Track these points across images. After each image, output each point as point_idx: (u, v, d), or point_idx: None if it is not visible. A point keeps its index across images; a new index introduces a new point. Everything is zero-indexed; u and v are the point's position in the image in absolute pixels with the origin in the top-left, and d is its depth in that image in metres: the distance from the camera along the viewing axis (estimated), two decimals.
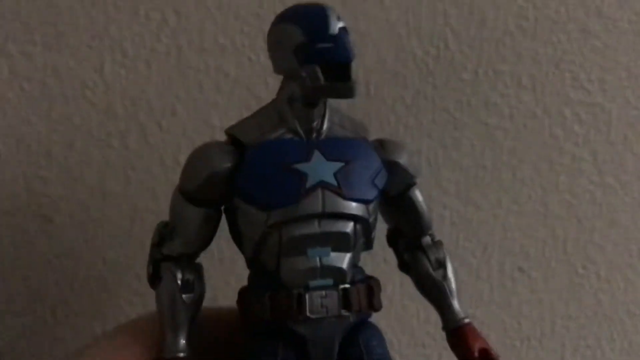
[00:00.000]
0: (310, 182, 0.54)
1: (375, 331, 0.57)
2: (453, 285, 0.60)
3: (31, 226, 0.76)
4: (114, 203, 0.77)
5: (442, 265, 0.61)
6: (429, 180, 0.81)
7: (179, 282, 0.56)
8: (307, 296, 0.53)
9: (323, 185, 0.54)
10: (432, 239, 0.61)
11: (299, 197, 0.53)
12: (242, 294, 0.57)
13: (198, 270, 0.58)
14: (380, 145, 0.59)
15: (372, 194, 0.55)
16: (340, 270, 0.54)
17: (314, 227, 0.54)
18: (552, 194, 0.85)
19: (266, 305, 0.54)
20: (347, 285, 0.54)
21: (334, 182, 0.54)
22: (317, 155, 0.55)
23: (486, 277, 0.85)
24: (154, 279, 0.57)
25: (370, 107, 0.79)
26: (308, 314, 0.53)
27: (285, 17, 0.55)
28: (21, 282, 0.76)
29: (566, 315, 0.87)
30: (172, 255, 0.57)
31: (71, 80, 0.74)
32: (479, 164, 0.82)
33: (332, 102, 0.56)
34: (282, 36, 0.54)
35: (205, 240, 0.58)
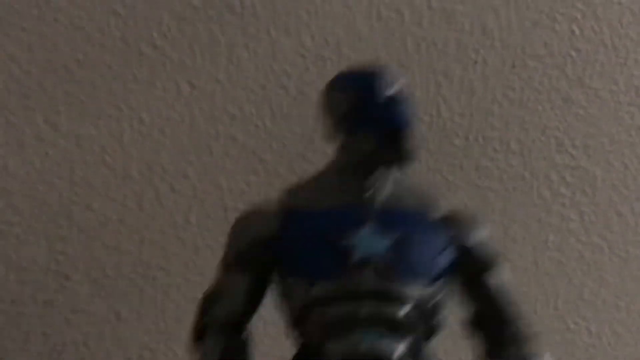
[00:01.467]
0: (358, 255, 0.49)
1: None
2: None
3: (50, 283, 0.80)
4: (128, 261, 0.81)
5: None
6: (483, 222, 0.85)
7: (226, 346, 0.53)
8: None
9: (373, 260, 0.49)
10: (521, 332, 0.54)
11: (346, 270, 0.49)
12: None
13: (244, 339, 0.54)
14: (450, 220, 0.54)
15: (431, 271, 0.50)
16: (389, 355, 0.48)
17: (362, 307, 0.49)
18: (542, 252, 0.89)
19: None
20: None
21: (386, 258, 0.49)
22: (369, 227, 0.50)
23: None
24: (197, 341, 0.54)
25: None
26: None
27: (334, 85, 0.53)
28: (41, 338, 0.80)
29: None
30: (214, 323, 0.54)
31: (92, 146, 0.79)
32: None
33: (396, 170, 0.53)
34: (330, 104, 0.52)
35: (250, 308, 0.54)
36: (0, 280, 0.79)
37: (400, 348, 0.49)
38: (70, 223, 0.80)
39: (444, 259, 0.51)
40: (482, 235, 0.53)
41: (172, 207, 0.81)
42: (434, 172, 0.85)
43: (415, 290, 0.49)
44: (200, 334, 0.54)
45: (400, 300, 0.49)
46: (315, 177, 0.54)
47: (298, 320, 0.51)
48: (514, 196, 0.87)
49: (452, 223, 0.53)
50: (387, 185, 0.52)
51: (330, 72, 0.82)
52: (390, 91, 0.51)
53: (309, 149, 0.83)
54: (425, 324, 0.50)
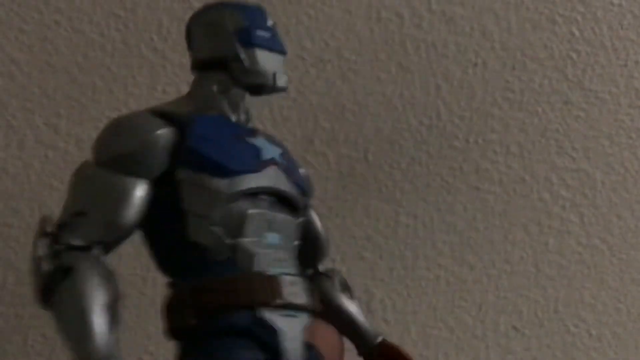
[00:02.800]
0: (264, 157, 0.52)
1: None
2: (359, 307, 0.59)
3: None
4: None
5: (347, 287, 0.60)
6: (425, 242, 0.86)
7: (101, 271, 0.46)
8: (281, 281, 0.48)
9: (275, 162, 0.52)
10: (332, 266, 0.61)
11: (259, 168, 0.51)
12: (177, 292, 0.49)
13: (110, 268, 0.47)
14: None
15: (307, 186, 0.56)
16: (292, 261, 0.52)
17: (265, 207, 0.51)
18: (542, 255, 0.89)
19: (235, 288, 0.47)
20: (298, 274, 0.51)
21: (283, 163, 0.53)
22: (261, 137, 0.53)
23: (481, 335, 0.88)
24: (53, 279, 0.45)
25: (368, 173, 0.84)
26: (285, 298, 0.48)
27: (223, 4, 0.55)
28: (40, 339, 0.80)
29: None
30: (82, 244, 0.46)
31: None
32: (472, 226, 0.87)
33: None
34: (222, 20, 0.54)
35: (129, 223, 0.48)
36: None
37: (294, 254, 0.53)
38: None
39: (305, 184, 0.56)
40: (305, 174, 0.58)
41: None
42: (433, 175, 0.85)
43: (302, 200, 0.54)
44: (57, 262, 0.45)
45: (290, 205, 0.53)
46: (180, 100, 0.55)
47: (203, 221, 0.48)
48: (514, 199, 0.88)
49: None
50: (250, 114, 0.55)
51: (331, 75, 0.83)
52: (271, 21, 0.56)
53: (309, 151, 0.83)
54: (298, 239, 0.54)
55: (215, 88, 0.54)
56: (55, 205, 0.80)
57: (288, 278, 0.49)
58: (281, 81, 0.54)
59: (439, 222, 0.86)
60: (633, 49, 0.89)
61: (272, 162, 0.52)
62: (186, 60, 0.80)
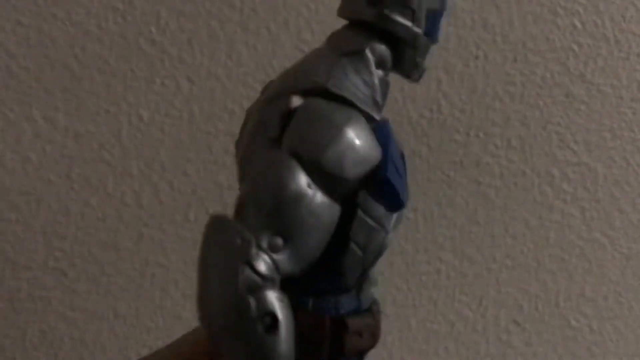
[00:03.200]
0: (403, 195, 0.46)
1: None
2: None
3: (48, 280, 0.80)
4: (126, 258, 0.81)
5: None
6: (425, 236, 0.85)
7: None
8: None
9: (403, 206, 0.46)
10: None
11: (400, 206, 0.44)
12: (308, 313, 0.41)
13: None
14: None
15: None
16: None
17: (386, 240, 0.45)
18: (543, 249, 0.89)
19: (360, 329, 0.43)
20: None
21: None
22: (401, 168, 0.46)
23: (482, 330, 0.88)
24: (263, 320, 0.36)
25: None
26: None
27: None
28: (38, 335, 0.80)
29: None
30: (274, 277, 0.37)
31: (90, 143, 0.79)
32: (473, 220, 0.86)
33: None
34: None
35: (321, 252, 0.41)
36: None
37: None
38: (68, 220, 0.80)
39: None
40: None
41: (170, 204, 0.81)
42: (434, 169, 0.85)
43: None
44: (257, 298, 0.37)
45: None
46: (349, 73, 0.45)
47: (359, 256, 0.42)
48: (514, 192, 0.87)
49: None
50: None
51: None
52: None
53: None
54: None
55: (373, 62, 0.46)
56: (52, 199, 0.79)
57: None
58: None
59: (439, 215, 0.86)
60: (635, 42, 0.88)
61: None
62: (184, 53, 0.79)
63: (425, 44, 0.48)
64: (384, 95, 0.45)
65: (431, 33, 0.48)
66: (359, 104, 0.42)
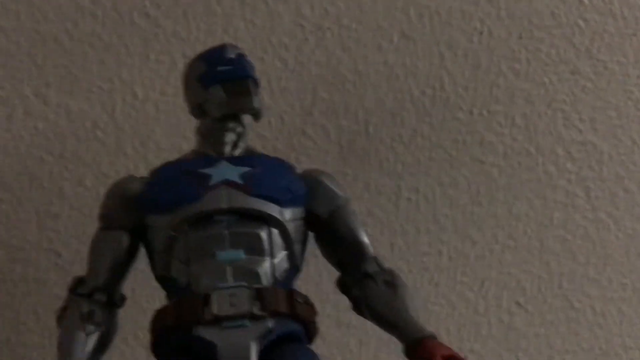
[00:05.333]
0: (213, 181, 0.54)
1: (306, 350, 0.51)
2: (407, 303, 0.55)
3: (42, 261, 0.79)
4: None
5: (390, 285, 0.56)
6: (427, 217, 0.84)
7: (82, 312, 0.54)
8: (214, 295, 0.50)
9: (227, 183, 0.54)
10: (379, 265, 0.57)
11: (201, 194, 0.53)
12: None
13: (111, 304, 0.56)
14: (302, 173, 0.60)
15: (285, 195, 0.55)
16: (255, 274, 0.51)
17: (222, 227, 0.53)
18: (546, 229, 0.87)
19: (170, 311, 0.52)
20: (261, 285, 0.51)
21: (240, 181, 0.54)
22: (224, 163, 0.56)
23: (484, 312, 0.87)
24: (59, 316, 0.56)
25: (369, 145, 0.82)
26: (215, 311, 0.49)
27: (194, 58, 0.61)
28: (32, 316, 0.79)
29: (563, 350, 0.89)
30: (84, 292, 0.56)
31: (83, 120, 0.78)
32: (475, 200, 0.85)
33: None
34: (188, 73, 0.60)
35: (116, 269, 0.57)
36: None
37: (265, 266, 0.52)
38: (62, 200, 0.79)
39: (297, 187, 0.56)
40: (329, 178, 0.60)
41: None
42: (436, 147, 0.84)
43: (271, 210, 0.54)
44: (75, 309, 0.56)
45: (259, 219, 0.53)
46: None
47: (165, 258, 0.54)
48: (518, 172, 0.86)
49: (304, 172, 0.60)
50: (241, 142, 0.59)
51: (331, 43, 0.81)
52: (237, 52, 0.59)
53: (308, 124, 0.81)
54: (286, 249, 0.54)
55: (202, 132, 0.60)
56: (45, 178, 0.78)
57: (228, 291, 0.50)
58: (250, 103, 0.57)
59: (441, 196, 0.85)
60: None
61: (223, 183, 0.54)
62: (180, 28, 0.78)
63: (210, 92, 0.58)
64: (214, 139, 0.60)
65: (206, 85, 0.59)
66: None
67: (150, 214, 0.56)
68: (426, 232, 0.84)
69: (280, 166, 0.59)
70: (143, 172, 0.78)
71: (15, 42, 0.76)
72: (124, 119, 0.78)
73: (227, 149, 0.58)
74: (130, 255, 0.58)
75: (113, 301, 0.58)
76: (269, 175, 0.56)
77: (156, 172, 0.59)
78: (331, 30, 0.80)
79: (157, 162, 0.78)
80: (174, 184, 0.56)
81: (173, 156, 0.79)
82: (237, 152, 0.58)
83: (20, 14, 0.75)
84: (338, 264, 0.59)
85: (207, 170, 0.56)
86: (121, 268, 0.58)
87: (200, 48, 0.78)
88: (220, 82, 0.57)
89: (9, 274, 0.78)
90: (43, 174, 0.78)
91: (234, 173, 0.55)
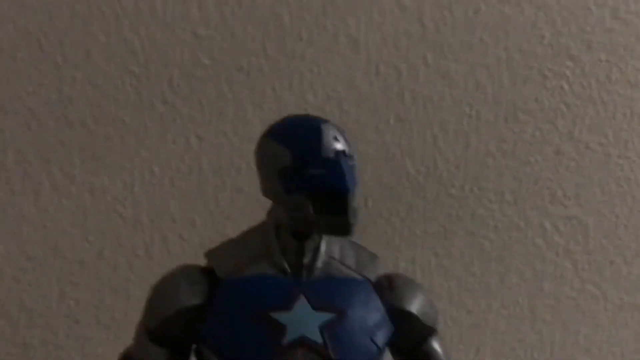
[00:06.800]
0: (288, 338, 0.45)
1: None
2: None
3: (61, 327, 0.83)
4: (137, 307, 0.84)
5: None
6: (423, 286, 0.88)
7: None
8: None
9: (305, 342, 0.45)
10: None
11: (274, 355, 0.44)
12: None
13: None
14: (389, 285, 0.49)
15: (369, 354, 0.46)
16: None
17: None
18: (537, 299, 0.91)
19: None
20: None
21: (319, 339, 0.45)
22: (301, 302, 0.45)
23: None
24: None
25: (369, 219, 0.87)
26: None
27: (273, 133, 0.48)
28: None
29: None
30: None
31: (104, 196, 0.83)
32: (469, 271, 0.90)
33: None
34: (267, 156, 0.47)
35: None
36: (12, 323, 0.82)
37: None
38: (82, 269, 0.83)
39: (382, 336, 0.47)
40: (421, 303, 0.50)
41: (180, 254, 0.84)
42: (431, 221, 0.88)
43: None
44: None
45: None
46: (249, 234, 0.50)
47: None
48: (509, 244, 0.90)
49: (393, 291, 0.49)
50: (321, 253, 0.47)
51: None
52: (337, 148, 0.45)
53: None
54: None
55: (274, 227, 0.48)
56: (67, 249, 0.83)
57: None
58: (346, 226, 0.45)
59: (437, 266, 0.89)
60: (621, 102, 0.92)
61: (299, 343, 0.44)
62: (196, 112, 0.84)
63: (292, 199, 0.46)
64: (290, 251, 0.48)
65: (290, 190, 0.46)
66: (213, 265, 0.52)
67: (206, 342, 0.47)
68: None
69: (365, 300, 0.47)
70: (158, 243, 0.84)
71: (45, 125, 0.82)
72: (142, 194, 0.83)
73: (305, 272, 0.47)
74: None
75: None
76: (352, 326, 0.45)
77: (220, 286, 0.46)
78: (333, 113, 0.86)
79: (171, 234, 0.84)
80: (242, 333, 0.45)
81: (187, 229, 0.84)
82: (317, 267, 0.47)
83: (51, 100, 0.81)
84: None
85: (282, 317, 0.45)
86: None
87: (212, 130, 0.84)
88: (309, 192, 0.45)
89: (29, 339, 0.82)
90: (65, 245, 0.83)
91: (313, 324, 0.45)
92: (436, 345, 0.51)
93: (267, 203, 0.85)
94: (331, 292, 0.46)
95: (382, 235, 0.87)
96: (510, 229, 0.90)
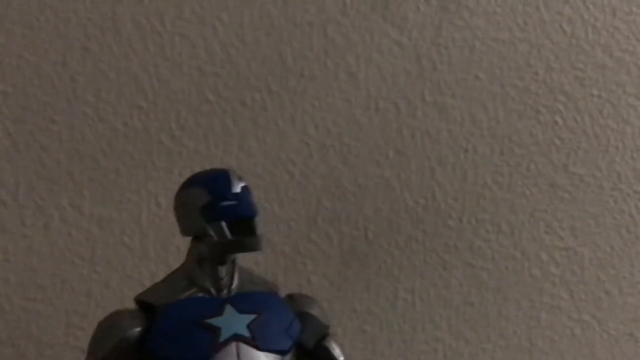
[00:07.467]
0: (223, 336, 0.56)
1: None
2: None
3: (68, 357, 0.84)
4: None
5: None
6: (423, 316, 0.89)
7: None
8: None
9: (237, 338, 0.56)
10: None
11: (212, 351, 0.55)
12: None
13: None
14: (291, 299, 0.62)
15: (287, 344, 0.58)
16: None
17: None
18: (535, 330, 0.92)
19: None
20: None
21: (248, 335, 0.56)
22: (229, 309, 0.57)
23: None
24: None
25: (368, 250, 0.89)
26: None
27: (191, 182, 0.60)
28: None
29: None
30: None
31: (112, 228, 0.85)
32: (467, 301, 0.91)
33: (240, 261, 0.62)
34: (188, 199, 0.59)
35: None
36: (20, 353, 0.83)
37: None
38: (89, 300, 0.85)
39: (294, 331, 0.59)
40: (318, 308, 0.63)
41: None
42: (430, 252, 0.90)
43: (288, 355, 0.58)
44: None
45: None
46: (172, 274, 0.61)
47: None
48: (506, 275, 0.92)
49: (294, 301, 0.62)
50: (236, 274, 0.60)
51: (333, 159, 0.89)
52: (241, 185, 0.59)
53: (312, 230, 0.88)
54: None
55: (196, 260, 0.60)
56: (75, 280, 0.84)
57: None
58: (257, 244, 0.57)
59: (435, 297, 0.90)
60: (613, 136, 0.94)
61: (233, 338, 0.56)
62: (201, 147, 0.86)
63: (213, 226, 0.59)
64: (212, 276, 0.60)
65: (210, 220, 0.59)
66: (145, 299, 0.61)
67: (155, 359, 0.56)
68: (422, 331, 0.89)
69: (277, 305, 0.60)
70: (164, 273, 0.86)
71: (55, 160, 0.84)
72: (149, 226, 0.85)
73: (225, 290, 0.59)
74: None
75: None
76: (271, 322, 0.58)
77: (158, 312, 0.58)
78: (334, 147, 0.88)
79: (176, 265, 0.86)
80: (184, 338, 0.56)
81: None
82: (234, 286, 0.59)
83: (62, 135, 0.84)
84: None
85: (215, 322, 0.57)
86: None
87: (217, 163, 0.87)
88: (225, 219, 0.57)
89: None
90: (73, 276, 0.84)
91: (242, 325, 0.57)
92: (333, 343, 0.62)
93: (270, 234, 0.87)
94: (251, 300, 0.58)
95: (381, 265, 0.89)
96: (507, 259, 0.92)
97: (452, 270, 0.90)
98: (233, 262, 0.59)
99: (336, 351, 0.61)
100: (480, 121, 0.91)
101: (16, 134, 0.83)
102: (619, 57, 0.94)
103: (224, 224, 0.57)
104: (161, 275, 0.86)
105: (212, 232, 0.57)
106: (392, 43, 0.89)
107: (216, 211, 0.57)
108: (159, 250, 0.86)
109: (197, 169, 0.86)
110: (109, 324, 0.58)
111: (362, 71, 0.88)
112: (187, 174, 0.86)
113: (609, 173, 0.94)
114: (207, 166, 0.86)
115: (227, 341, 0.56)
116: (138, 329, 0.56)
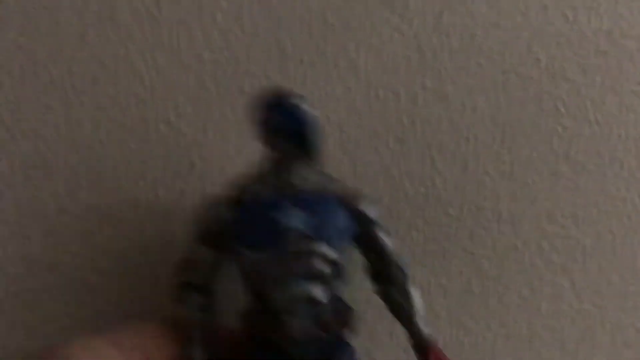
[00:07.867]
0: (286, 228, 0.67)
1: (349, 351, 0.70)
2: (415, 308, 0.74)
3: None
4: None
5: (405, 292, 0.75)
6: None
7: (197, 304, 0.70)
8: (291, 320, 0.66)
9: (298, 230, 0.67)
10: (403, 273, 0.74)
11: (277, 238, 0.66)
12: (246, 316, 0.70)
13: (212, 295, 0.71)
14: (351, 196, 0.72)
15: (341, 240, 0.68)
16: (315, 299, 0.67)
17: (292, 263, 0.66)
18: (536, 319, 0.92)
19: (263, 325, 0.67)
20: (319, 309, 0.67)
21: (307, 229, 0.67)
22: (292, 208, 0.67)
23: None
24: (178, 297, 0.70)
25: None
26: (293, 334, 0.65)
27: (262, 104, 0.70)
28: None
29: None
30: (192, 282, 0.70)
31: (109, 218, 0.85)
32: (467, 290, 0.91)
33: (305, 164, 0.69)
34: (257, 118, 0.70)
35: (213, 277, 0.70)
36: (19, 348, 0.83)
37: (324, 293, 0.67)
38: (88, 290, 0.85)
39: (349, 229, 0.70)
40: (371, 208, 0.73)
41: None
42: (430, 241, 0.90)
43: (331, 252, 0.67)
44: (177, 292, 0.70)
45: (321, 258, 0.67)
46: (254, 173, 0.71)
47: (248, 280, 0.68)
48: (507, 264, 0.92)
49: (351, 201, 0.72)
50: (303, 176, 0.70)
51: (333, 147, 0.89)
52: (293, 102, 0.69)
53: None
54: (339, 277, 0.69)
55: (269, 162, 0.70)
56: (73, 271, 0.85)
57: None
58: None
59: (435, 286, 0.90)
60: (616, 124, 0.94)
61: (293, 231, 0.67)
62: (200, 136, 0.86)
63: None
64: (279, 176, 0.71)
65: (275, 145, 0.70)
66: (236, 196, 0.72)
67: (238, 242, 0.68)
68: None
69: (334, 208, 0.70)
70: (166, 268, 0.85)
71: (53, 150, 0.84)
72: (147, 216, 0.85)
73: (290, 184, 0.69)
74: (222, 263, 0.71)
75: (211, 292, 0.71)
76: (328, 222, 0.69)
77: (244, 207, 0.69)
78: (333, 136, 0.88)
79: (176, 258, 0.85)
80: (259, 230, 0.67)
81: None
82: (297, 187, 0.69)
83: (59, 125, 0.84)
84: (368, 262, 0.74)
85: (280, 217, 0.67)
86: (215, 275, 0.71)
87: (216, 152, 0.87)
88: (273, 132, 0.68)
89: None
90: (65, 265, 0.84)
91: (301, 221, 0.67)
92: (381, 234, 0.73)
93: None
94: (309, 202, 0.69)
95: None
96: (508, 248, 0.92)
97: (453, 259, 0.90)
98: (293, 165, 0.69)
99: (383, 240, 0.74)
100: (481, 109, 0.91)
101: (13, 124, 0.83)
102: (622, 44, 0.93)
103: (272, 136, 0.68)
104: (164, 274, 0.86)
105: (273, 144, 0.68)
106: (393, 30, 0.88)
107: (266, 127, 0.68)
108: (158, 243, 0.86)
109: (195, 157, 0.86)
110: (211, 208, 0.70)
111: (362, 59, 0.88)
112: (185, 163, 0.86)
113: (611, 161, 0.94)
114: (205, 154, 0.86)
115: (287, 233, 0.66)
116: (231, 215, 0.69)
